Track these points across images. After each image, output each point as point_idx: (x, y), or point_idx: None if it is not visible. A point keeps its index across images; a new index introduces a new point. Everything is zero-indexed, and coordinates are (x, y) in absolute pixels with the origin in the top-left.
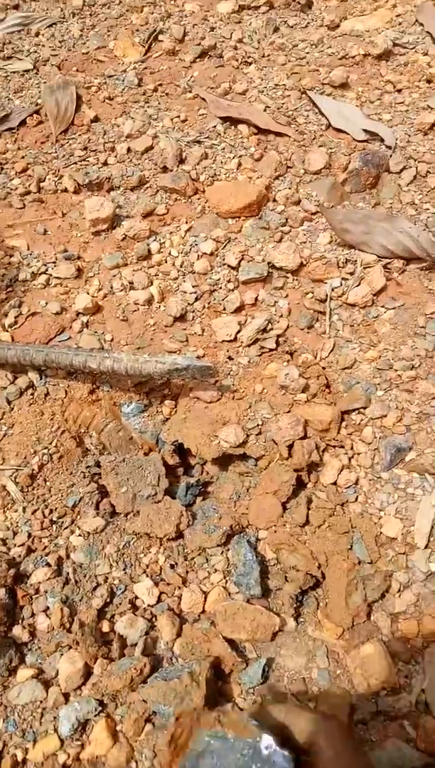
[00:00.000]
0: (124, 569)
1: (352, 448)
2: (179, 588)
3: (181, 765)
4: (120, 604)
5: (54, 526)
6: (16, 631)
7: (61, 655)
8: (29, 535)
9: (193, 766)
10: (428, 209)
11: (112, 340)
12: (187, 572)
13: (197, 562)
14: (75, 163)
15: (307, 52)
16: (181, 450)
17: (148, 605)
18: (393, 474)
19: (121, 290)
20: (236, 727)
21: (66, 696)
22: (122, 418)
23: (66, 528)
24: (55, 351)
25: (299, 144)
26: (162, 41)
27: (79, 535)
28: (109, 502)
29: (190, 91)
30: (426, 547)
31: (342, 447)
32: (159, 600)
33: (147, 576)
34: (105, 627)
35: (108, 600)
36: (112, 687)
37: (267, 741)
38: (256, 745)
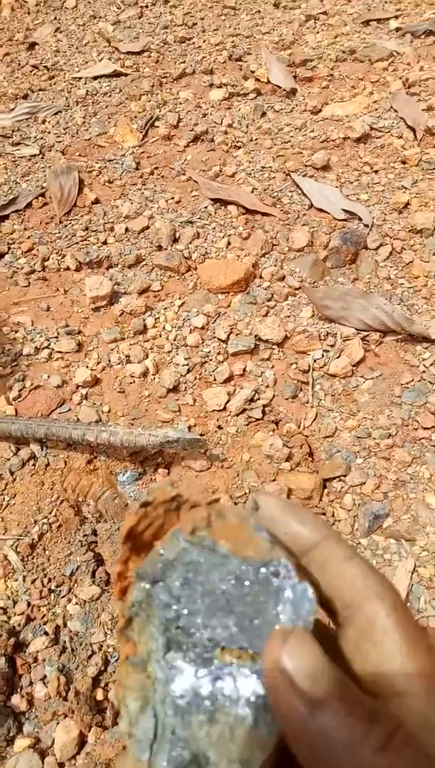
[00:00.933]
0: None
1: (333, 515)
2: None
3: (138, 571)
4: (113, 672)
5: (52, 595)
6: (15, 699)
7: (57, 723)
8: (28, 604)
9: (156, 578)
10: (403, 284)
11: (109, 411)
12: None
13: None
14: (77, 243)
15: (292, 136)
16: None
17: None
18: (371, 540)
19: (119, 363)
20: (235, 537)
21: (61, 766)
22: (118, 486)
23: (63, 596)
24: (55, 425)
25: (284, 223)
26: (158, 127)
27: (76, 604)
28: (105, 570)
29: (184, 174)
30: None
31: (324, 514)
32: None
33: None
34: (99, 695)
35: (102, 668)
36: (105, 755)
37: (283, 565)
38: (262, 568)
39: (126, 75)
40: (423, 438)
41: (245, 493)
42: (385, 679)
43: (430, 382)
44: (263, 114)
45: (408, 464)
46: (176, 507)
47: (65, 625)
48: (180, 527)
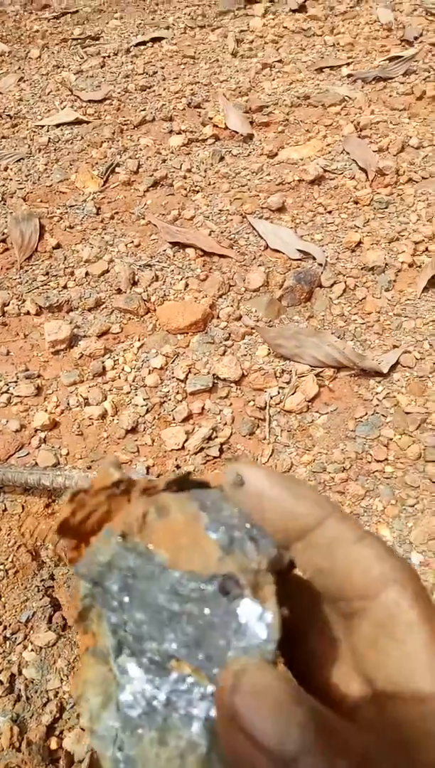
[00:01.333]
0: None
1: None
2: None
3: (77, 570)
4: (69, 719)
5: (7, 643)
6: None
7: None
8: None
9: (94, 580)
10: (356, 320)
11: (67, 454)
12: None
13: None
14: (37, 287)
15: (249, 179)
16: None
17: None
18: None
19: (77, 406)
20: (177, 542)
21: None
22: None
23: (19, 644)
24: (11, 470)
25: (240, 264)
26: (119, 173)
27: (32, 650)
28: (62, 615)
29: (144, 218)
30: None
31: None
32: None
33: None
34: (53, 744)
35: (57, 715)
36: None
37: (235, 580)
38: (208, 585)
39: (88, 122)
40: (376, 471)
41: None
42: (407, 680)
43: (383, 416)
44: (221, 158)
45: (362, 497)
46: (124, 491)
47: (20, 672)
48: (111, 527)
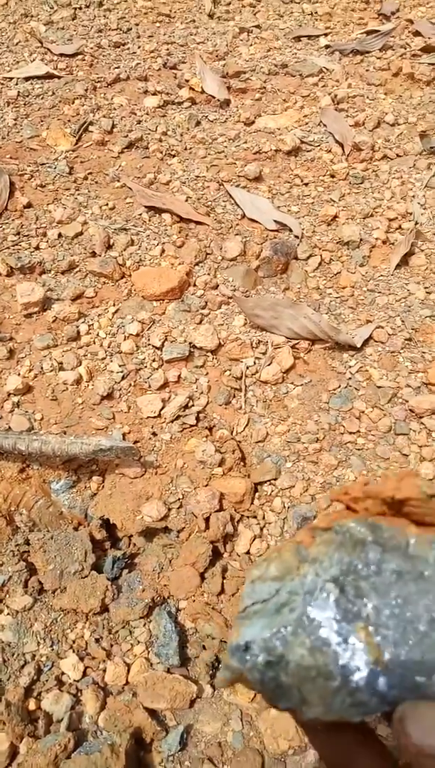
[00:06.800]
0: (51, 646)
1: (263, 518)
2: (104, 661)
3: (376, 525)
4: (46, 681)
5: None
6: None
7: None
8: None
9: (385, 542)
10: (331, 294)
11: (41, 419)
12: (111, 645)
13: (121, 635)
14: (8, 247)
15: (225, 146)
16: (108, 524)
17: (74, 680)
18: None
19: (51, 371)
20: None
21: None
22: (52, 494)
23: None
24: None
25: (217, 232)
26: (92, 132)
27: (8, 614)
28: (38, 579)
29: (118, 181)
30: None
31: (255, 517)
32: (84, 674)
33: (73, 651)
34: (31, 705)
35: (35, 677)
36: (36, 765)
37: None
38: None
39: (59, 77)
40: (348, 442)
41: (178, 499)
42: None
43: (355, 389)
44: (198, 123)
45: (334, 467)
46: None
47: None
48: None
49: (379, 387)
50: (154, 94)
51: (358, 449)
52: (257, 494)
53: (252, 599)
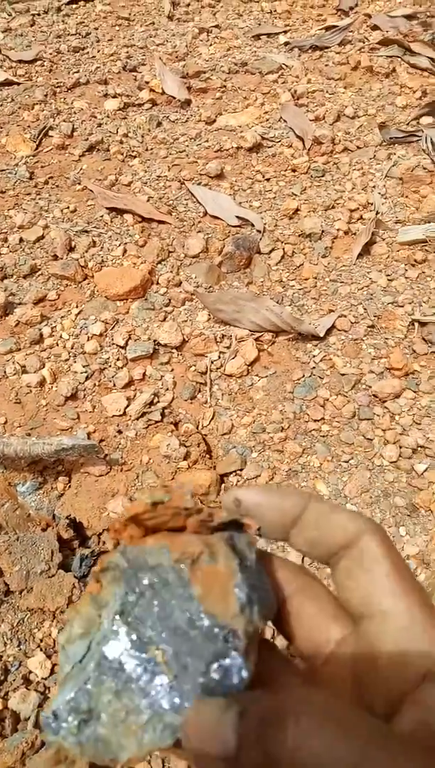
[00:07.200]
0: (18, 645)
1: None
2: None
3: (121, 550)
4: (14, 680)
5: None
6: None
7: None
8: None
9: (134, 563)
10: (294, 285)
11: (5, 422)
12: None
13: None
14: None
15: (187, 146)
16: (77, 524)
17: (42, 678)
18: None
19: (14, 374)
20: (212, 586)
21: None
22: (18, 497)
23: None
24: None
25: (179, 230)
26: (52, 137)
27: None
28: (3, 581)
29: (79, 184)
30: None
31: (221, 507)
32: (52, 672)
33: (40, 650)
34: None
35: (2, 678)
36: (3, 764)
37: (238, 637)
38: (217, 628)
39: (18, 84)
40: (313, 430)
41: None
42: (372, 599)
43: (319, 377)
44: (159, 124)
45: (299, 455)
46: (187, 514)
47: None
48: (170, 545)
49: (343, 374)
50: (114, 96)
51: (323, 436)
52: (223, 485)
53: (69, 664)
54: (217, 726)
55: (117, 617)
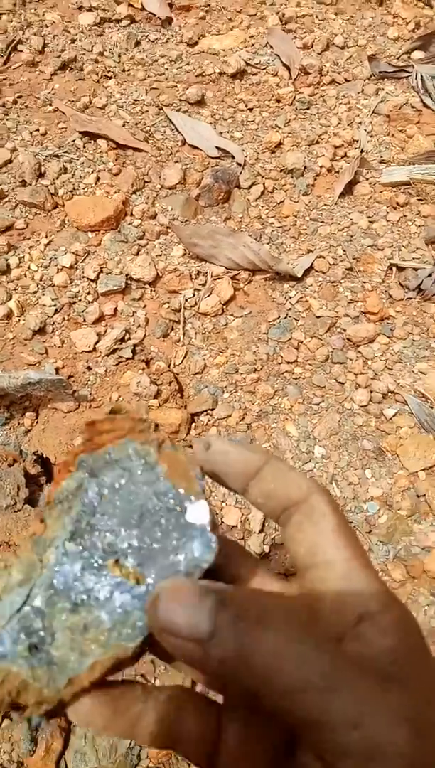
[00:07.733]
0: None
1: None
2: None
3: (82, 458)
4: None
5: None
6: None
7: None
8: None
9: (94, 468)
10: (273, 223)
11: None
12: None
13: None
14: None
15: (166, 68)
16: (44, 460)
17: None
18: None
19: None
20: (175, 468)
21: None
22: None
23: None
24: None
25: (156, 159)
26: (21, 51)
27: None
28: None
29: (50, 104)
30: (260, 531)
31: (190, 447)
32: None
33: None
34: None
35: None
36: None
37: (200, 509)
38: (184, 503)
39: None
40: (286, 372)
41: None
42: (318, 549)
43: (295, 319)
44: (137, 43)
45: (271, 396)
46: (141, 429)
47: None
48: (134, 438)
49: (318, 317)
50: (89, 10)
51: (295, 378)
52: (194, 424)
53: (4, 618)
54: (194, 608)
55: (66, 543)
